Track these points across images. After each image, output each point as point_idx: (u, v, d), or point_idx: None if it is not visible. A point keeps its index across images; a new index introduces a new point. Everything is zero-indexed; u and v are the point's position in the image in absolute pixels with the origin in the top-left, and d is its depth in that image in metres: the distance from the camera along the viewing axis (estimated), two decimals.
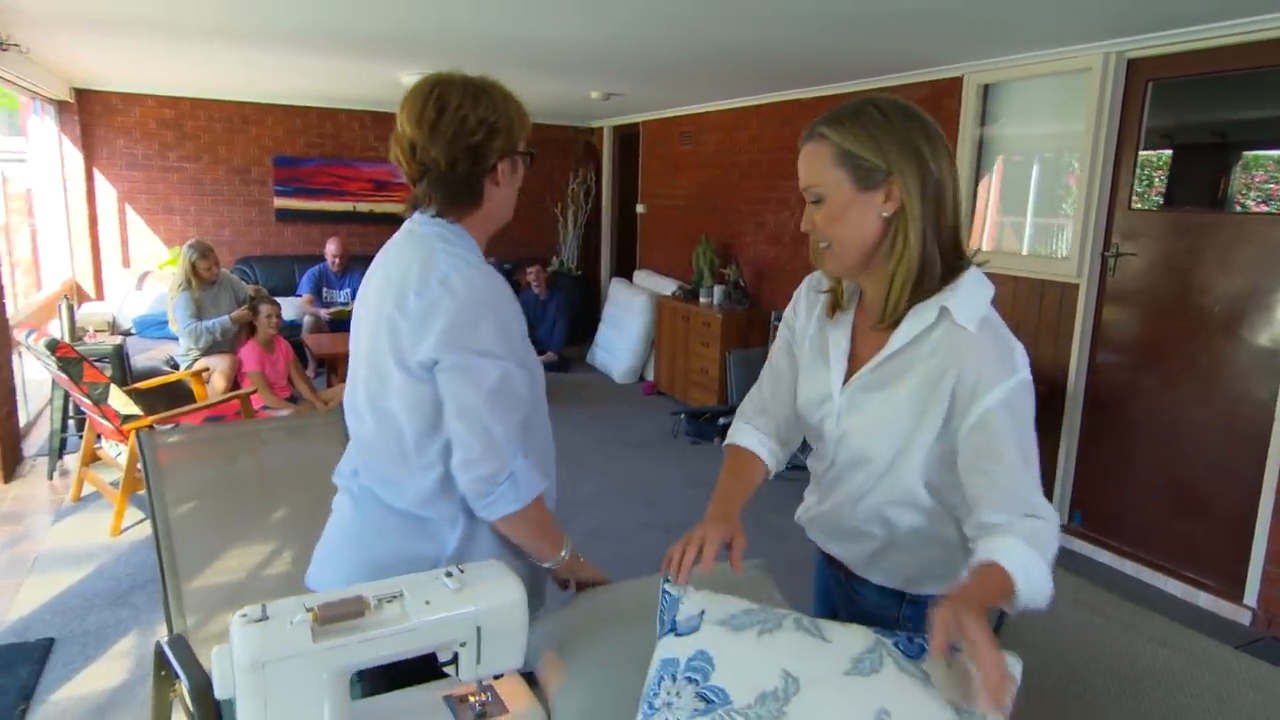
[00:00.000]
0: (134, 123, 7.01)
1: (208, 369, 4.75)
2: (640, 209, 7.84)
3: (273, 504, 2.22)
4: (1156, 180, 3.74)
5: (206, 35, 4.38)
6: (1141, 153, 3.63)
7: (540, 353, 7.21)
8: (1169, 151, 3.71)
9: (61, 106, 6.67)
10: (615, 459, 5.01)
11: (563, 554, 1.44)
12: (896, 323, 1.21)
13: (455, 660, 1.14)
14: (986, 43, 3.84)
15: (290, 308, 6.58)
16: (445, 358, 1.24)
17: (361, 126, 7.76)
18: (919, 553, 1.29)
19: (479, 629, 1.12)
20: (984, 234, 4.42)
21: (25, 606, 3.08)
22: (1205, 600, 3.38)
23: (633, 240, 8.25)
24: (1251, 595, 3.24)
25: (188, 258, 4.79)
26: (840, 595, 1.46)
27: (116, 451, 3.85)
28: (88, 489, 4.08)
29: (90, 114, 6.85)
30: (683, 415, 5.57)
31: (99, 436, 3.98)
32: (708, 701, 0.97)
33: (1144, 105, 3.58)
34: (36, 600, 3.12)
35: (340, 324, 6.66)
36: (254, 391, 4.14)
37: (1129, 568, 3.66)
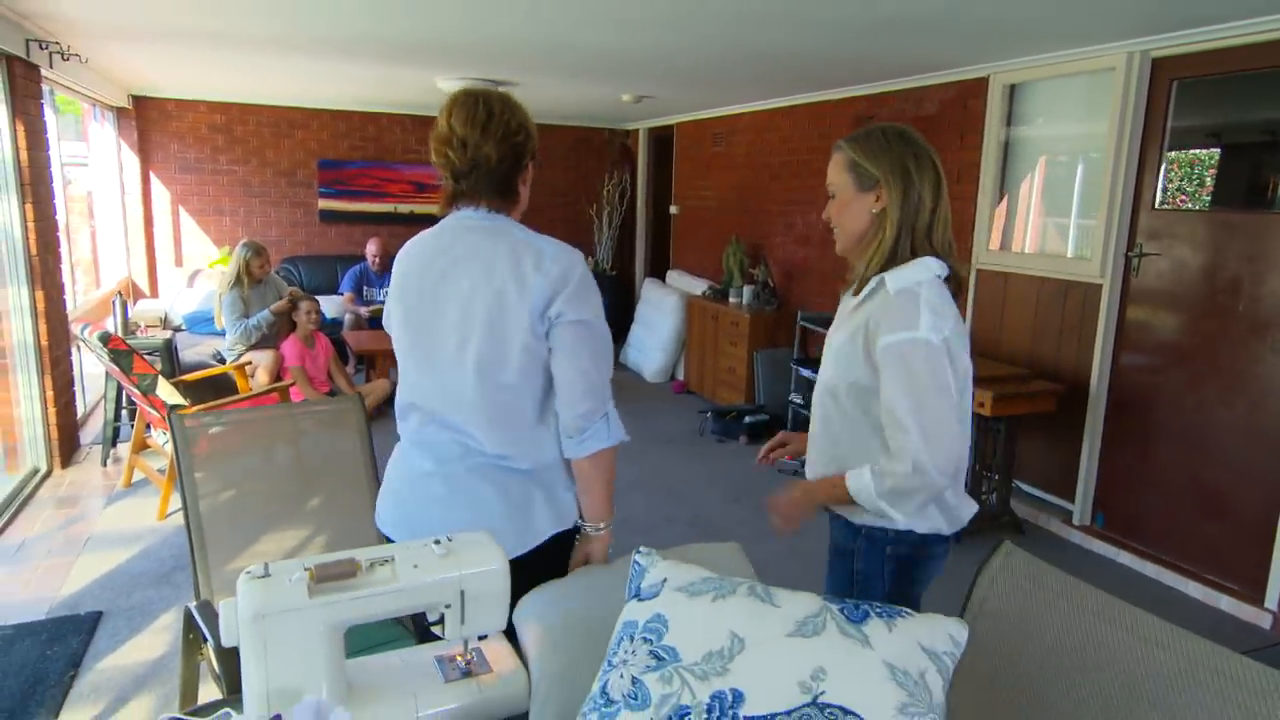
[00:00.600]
0: (187, 128, 7.31)
1: (251, 363, 4.96)
2: (674, 210, 7.92)
3: (305, 488, 2.35)
4: (1208, 179, 3.70)
5: (259, 45, 4.58)
6: (1189, 152, 3.60)
7: None
8: (1218, 150, 3.66)
9: (120, 113, 6.99)
10: (643, 454, 5.10)
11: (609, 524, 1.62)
12: (861, 290, 1.61)
13: (441, 620, 1.24)
14: (1011, 43, 3.84)
15: (332, 306, 6.80)
16: (569, 313, 1.47)
17: (403, 130, 7.98)
18: (838, 439, 1.65)
19: (463, 592, 1.22)
20: (1026, 235, 4.40)
21: (77, 583, 3.28)
22: (1226, 603, 3.34)
23: (666, 241, 8.34)
24: (1273, 599, 3.20)
25: (242, 256, 5.02)
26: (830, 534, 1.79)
27: (164, 440, 4.06)
28: (138, 475, 4.30)
29: (146, 120, 7.16)
30: (709, 414, 5.64)
31: (149, 426, 4.20)
32: (659, 659, 1.05)
33: (1169, 104, 3.56)
34: (87, 577, 3.32)
35: (379, 321, 6.85)
36: (293, 384, 4.32)
37: (1150, 570, 3.63)
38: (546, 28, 3.85)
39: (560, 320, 1.47)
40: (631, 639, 1.10)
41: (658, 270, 8.36)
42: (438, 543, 1.25)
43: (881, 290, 1.54)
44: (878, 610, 1.09)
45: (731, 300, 6.25)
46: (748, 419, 5.45)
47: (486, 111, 1.49)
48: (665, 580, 1.16)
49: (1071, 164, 4.15)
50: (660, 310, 7.14)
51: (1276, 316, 3.23)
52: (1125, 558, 3.74)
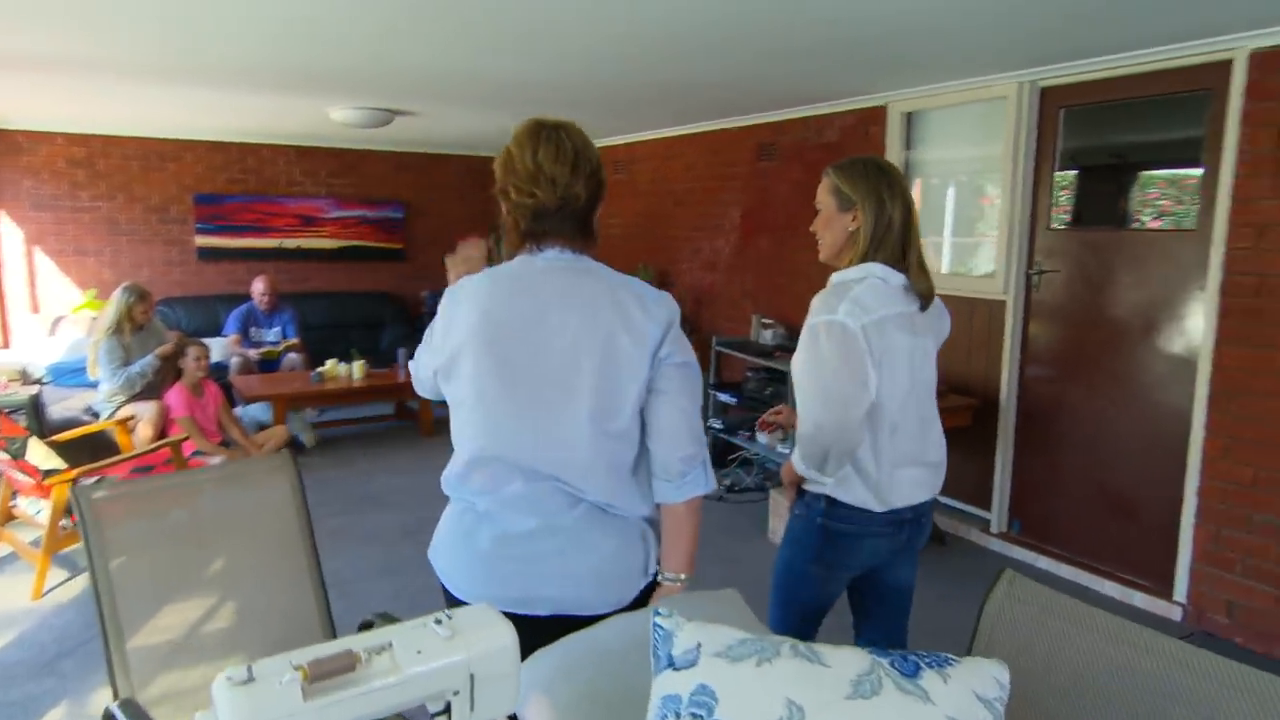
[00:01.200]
0: (41, 162, 6.70)
1: (133, 417, 4.54)
2: None
3: (232, 555, 2.12)
4: (1062, 199, 3.94)
5: (138, 74, 4.24)
6: (1064, 174, 3.83)
7: None
8: (1075, 173, 3.92)
9: None
10: None
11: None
12: None
13: (448, 710, 1.11)
14: (909, 73, 4.01)
15: (216, 349, 6.35)
16: (676, 355, 1.45)
17: (286, 161, 7.60)
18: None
19: (472, 676, 1.09)
20: (931, 255, 4.56)
21: None
22: (1140, 599, 3.53)
23: None
24: (1181, 592, 3.40)
25: (123, 301, 4.61)
26: None
27: (36, 509, 3.64)
28: (3, 549, 3.84)
29: None
30: None
31: (14, 494, 3.76)
32: None
33: (1057, 131, 3.79)
34: None
35: (270, 364, 6.46)
36: (185, 438, 3.97)
37: (1066, 572, 3.80)
38: (450, 56, 3.74)
39: (668, 361, 1.44)
40: (677, 715, 1.01)
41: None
42: (439, 622, 1.12)
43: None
44: (925, 660, 1.05)
45: None
46: None
47: (573, 147, 1.43)
48: (700, 645, 1.08)
49: (972, 186, 4.35)
50: None
51: (1154, 324, 3.46)
52: (1044, 562, 3.90)
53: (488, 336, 1.42)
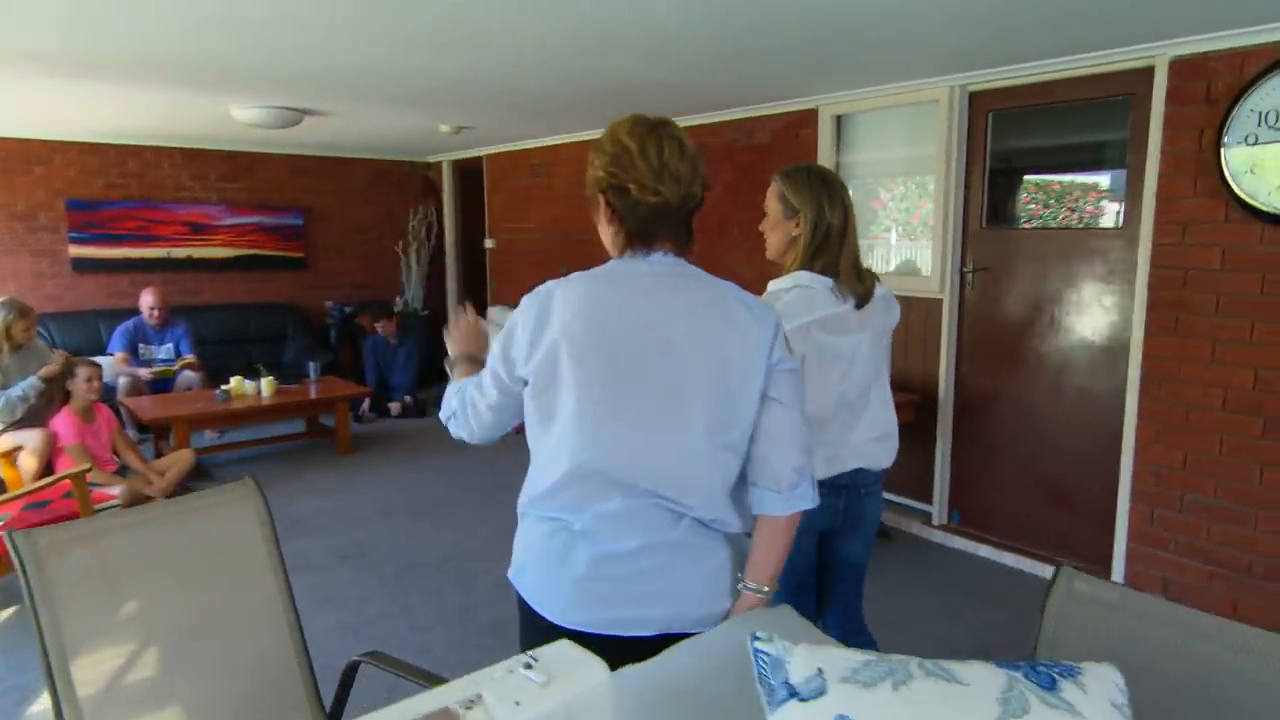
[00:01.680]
0: None
1: (17, 447, 4.07)
2: (489, 244, 7.65)
3: (175, 598, 1.89)
4: (993, 200, 4.09)
5: (15, 64, 3.79)
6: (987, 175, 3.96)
7: (390, 400, 6.81)
8: (1004, 174, 4.08)
9: None
10: (500, 505, 4.78)
11: None
12: None
13: None
14: (840, 77, 4.06)
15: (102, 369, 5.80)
16: (786, 360, 1.42)
17: (172, 165, 7.05)
18: None
19: None
20: (867, 255, 4.65)
21: None
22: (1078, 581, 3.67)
23: (482, 276, 8.03)
24: (1119, 572, 3.57)
25: (2, 319, 4.14)
26: None
27: None
28: None
29: None
30: None
31: None
32: None
33: (987, 134, 3.92)
34: None
35: (164, 384, 5.97)
36: (89, 469, 3.58)
37: (1008, 559, 3.93)
38: (367, 51, 3.50)
39: (779, 368, 1.41)
40: None
41: (476, 308, 8.01)
42: (528, 666, 1.00)
43: None
44: (1054, 670, 1.00)
45: None
46: None
47: (691, 146, 1.41)
48: (821, 670, 1.00)
49: (906, 187, 4.46)
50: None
51: (1085, 318, 3.63)
52: (985, 550, 4.02)
53: (592, 344, 1.35)
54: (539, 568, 1.44)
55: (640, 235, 1.41)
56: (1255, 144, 2.97)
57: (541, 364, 1.37)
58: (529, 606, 1.46)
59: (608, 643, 1.28)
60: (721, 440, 1.37)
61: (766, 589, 1.45)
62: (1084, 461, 3.69)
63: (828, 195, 1.95)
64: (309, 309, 7.74)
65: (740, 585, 1.45)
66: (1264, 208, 2.97)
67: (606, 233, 1.47)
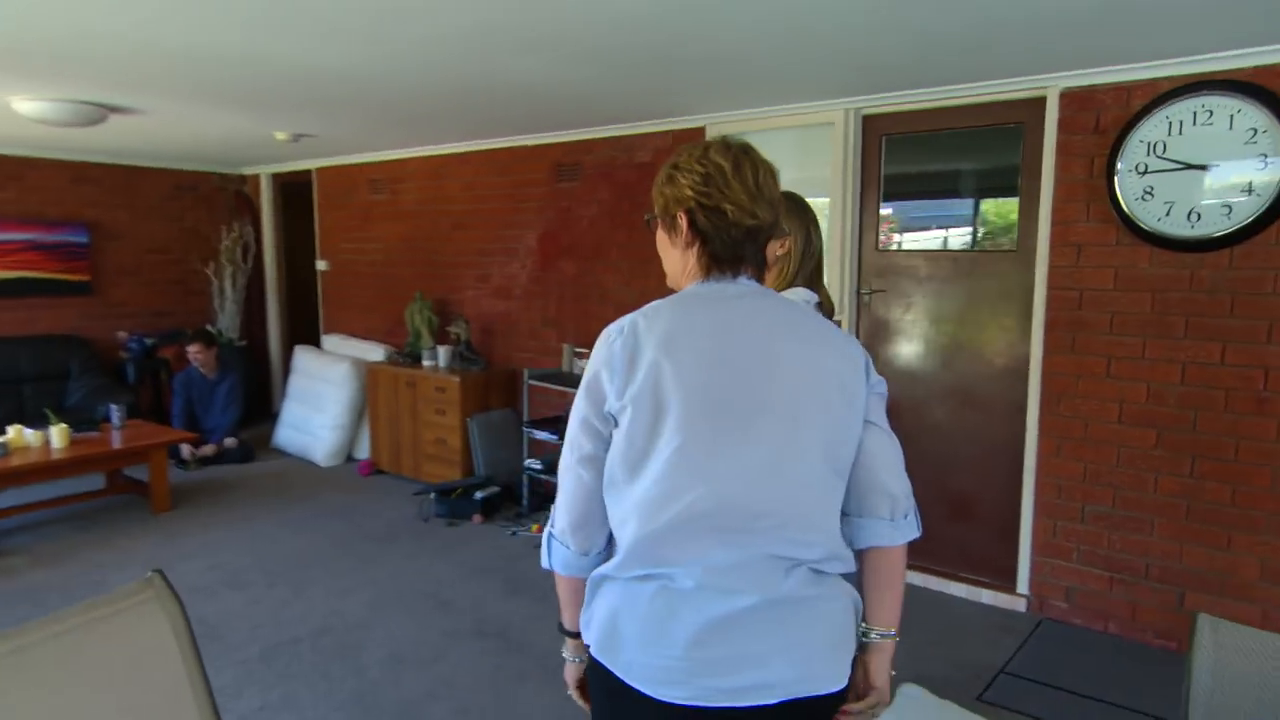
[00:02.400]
0: None
1: None
2: (322, 266, 6.92)
3: None
4: (887, 223, 4.15)
5: None
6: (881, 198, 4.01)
7: (203, 443, 5.91)
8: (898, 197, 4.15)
9: None
10: (369, 560, 4.21)
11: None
12: None
13: None
14: (728, 96, 3.97)
15: None
16: (878, 384, 1.37)
17: None
18: None
19: None
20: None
21: None
22: (986, 597, 3.76)
23: (308, 303, 7.25)
24: (1024, 585, 3.68)
25: None
26: None
27: None
28: None
29: None
30: (431, 494, 4.92)
31: None
32: None
33: (880, 157, 3.97)
34: None
35: None
36: None
37: (916, 578, 3.95)
38: (202, 31, 2.91)
39: (875, 391, 1.36)
40: None
41: (303, 336, 7.22)
42: None
43: None
44: None
45: (426, 363, 5.58)
46: (479, 494, 4.86)
47: (774, 169, 1.38)
48: None
49: None
50: (326, 382, 6.12)
51: (986, 337, 3.75)
52: None
53: (694, 371, 1.26)
54: (640, 637, 1.26)
55: (729, 259, 1.35)
56: (1146, 172, 3.17)
57: (637, 397, 1.26)
58: (625, 684, 1.27)
59: (724, 715, 1.23)
60: (835, 465, 1.31)
61: (894, 633, 1.37)
62: (987, 477, 3.79)
63: (813, 221, 1.97)
64: (98, 342, 6.61)
65: (865, 634, 1.36)
66: (1154, 232, 3.17)
67: (680, 255, 1.38)
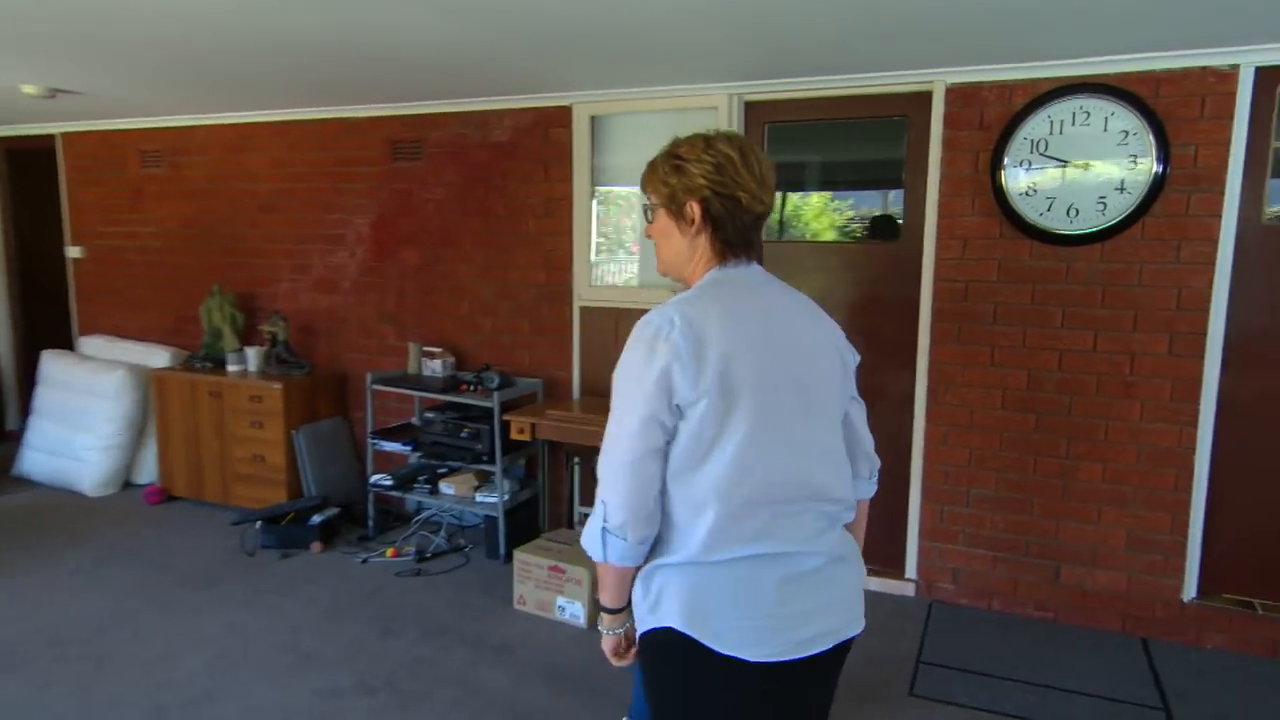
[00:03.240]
0: None
1: None
2: (74, 253, 5.70)
3: None
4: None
5: None
6: None
7: None
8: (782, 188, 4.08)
9: None
10: (192, 612, 3.47)
11: None
12: None
13: None
14: (600, 73, 3.69)
15: None
16: (857, 358, 1.60)
17: None
18: None
19: None
20: (628, 270, 4.29)
21: None
22: (875, 584, 3.81)
23: (60, 298, 5.97)
24: (912, 569, 3.77)
25: None
26: None
27: None
28: None
29: None
30: (257, 523, 4.18)
31: None
32: None
33: (763, 146, 3.87)
34: None
35: None
36: None
37: None
38: None
39: (853, 367, 1.58)
40: None
41: (48, 339, 5.93)
42: None
43: None
44: None
45: (231, 368, 4.76)
46: (316, 518, 4.20)
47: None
48: None
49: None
50: (93, 394, 5.04)
51: (873, 329, 3.77)
52: None
53: (752, 358, 1.37)
54: (731, 605, 1.37)
55: (741, 244, 1.47)
56: (1030, 169, 3.31)
57: (710, 388, 1.33)
58: (714, 652, 1.36)
59: (794, 668, 1.37)
60: (842, 431, 1.53)
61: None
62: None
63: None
64: None
65: None
66: (1036, 226, 3.33)
67: (687, 243, 1.49)
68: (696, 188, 1.42)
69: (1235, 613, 3.29)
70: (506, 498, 4.02)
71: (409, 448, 4.21)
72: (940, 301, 3.57)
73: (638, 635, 1.48)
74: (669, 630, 1.39)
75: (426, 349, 4.45)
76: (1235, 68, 3.06)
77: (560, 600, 3.44)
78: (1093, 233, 3.26)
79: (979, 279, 3.50)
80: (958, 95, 3.44)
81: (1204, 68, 3.09)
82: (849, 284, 3.81)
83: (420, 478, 4.28)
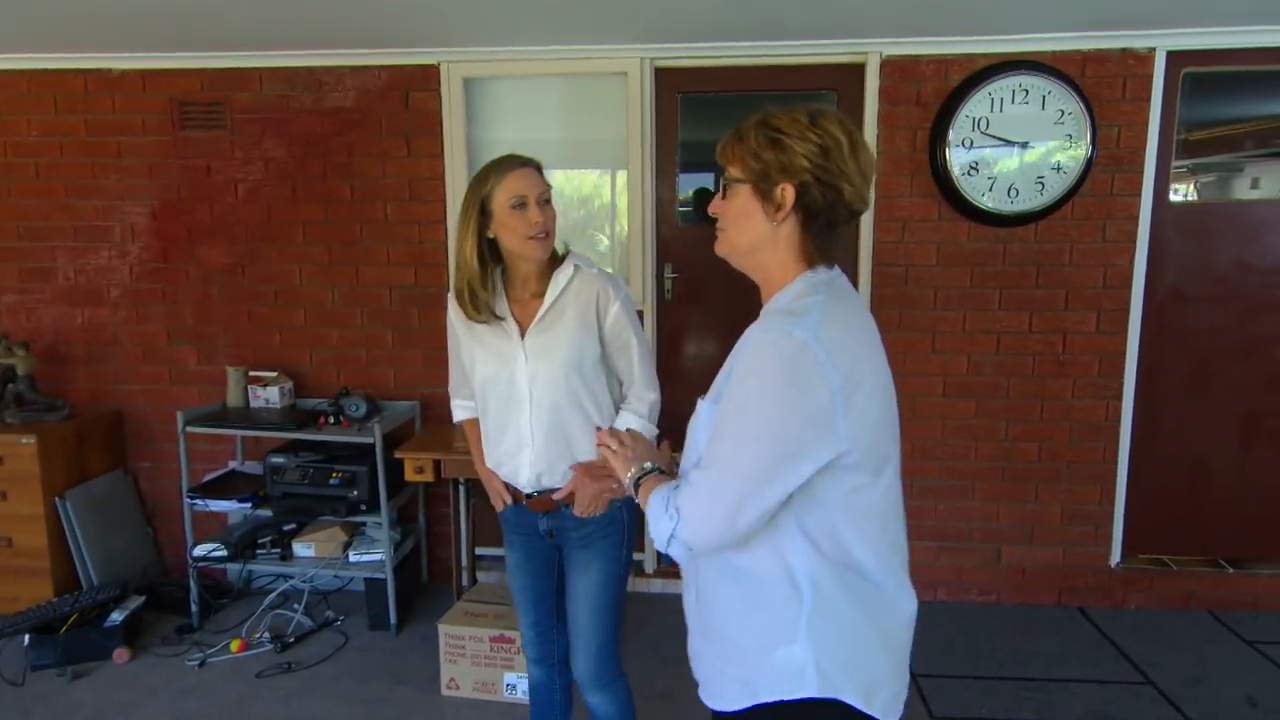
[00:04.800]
0: None
1: None
2: None
3: None
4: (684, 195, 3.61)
5: None
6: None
7: None
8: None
9: None
10: None
11: None
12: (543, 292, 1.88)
13: None
14: (479, 25, 3.03)
15: None
16: None
17: None
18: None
19: None
20: None
21: None
22: None
23: None
24: None
25: None
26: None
27: None
28: None
29: None
30: (23, 637, 2.94)
31: None
32: None
33: (677, 119, 3.42)
34: None
35: None
36: None
37: None
38: None
39: None
40: None
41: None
42: None
43: (580, 274, 1.93)
44: None
45: None
46: (116, 614, 3.06)
47: None
48: None
49: (574, 179, 3.61)
50: None
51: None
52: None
53: (880, 379, 1.23)
54: (875, 656, 1.23)
55: (828, 242, 1.25)
56: (972, 148, 3.20)
57: (862, 417, 1.17)
58: (857, 709, 1.20)
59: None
60: None
61: None
62: None
63: None
64: None
65: None
66: (979, 206, 3.23)
67: (769, 230, 1.24)
68: (797, 169, 1.19)
69: (1154, 572, 3.47)
70: (393, 554, 3.21)
71: (248, 504, 3.22)
72: (880, 288, 3.38)
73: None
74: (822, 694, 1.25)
75: (255, 372, 3.44)
76: (1152, 50, 3.16)
77: (509, 677, 2.76)
78: (1031, 212, 3.23)
79: (918, 263, 3.35)
80: (894, 68, 3.25)
81: (1124, 49, 3.16)
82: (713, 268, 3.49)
83: (262, 539, 3.30)
